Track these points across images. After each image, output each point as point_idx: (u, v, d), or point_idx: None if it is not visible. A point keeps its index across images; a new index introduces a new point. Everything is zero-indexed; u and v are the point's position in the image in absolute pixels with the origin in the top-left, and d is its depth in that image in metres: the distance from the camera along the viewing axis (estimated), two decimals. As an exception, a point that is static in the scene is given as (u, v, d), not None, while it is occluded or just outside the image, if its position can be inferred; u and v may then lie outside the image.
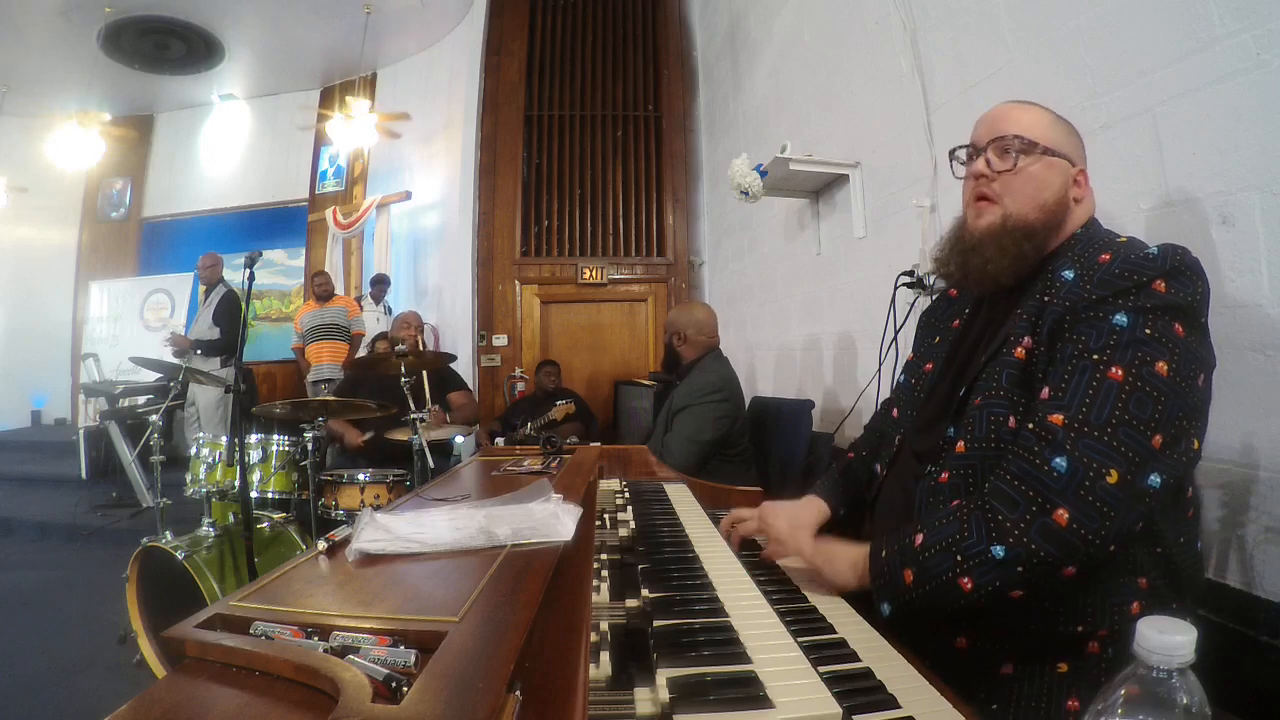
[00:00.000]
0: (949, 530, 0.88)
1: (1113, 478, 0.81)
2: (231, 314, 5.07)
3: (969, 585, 0.84)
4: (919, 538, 0.90)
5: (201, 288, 5.37)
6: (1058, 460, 0.83)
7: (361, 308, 6.01)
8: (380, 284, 6.38)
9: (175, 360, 3.83)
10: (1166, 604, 0.90)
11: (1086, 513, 0.81)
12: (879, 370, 2.26)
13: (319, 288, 5.60)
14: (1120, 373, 0.83)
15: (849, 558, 0.98)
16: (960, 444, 0.99)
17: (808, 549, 1.04)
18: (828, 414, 2.94)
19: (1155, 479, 0.82)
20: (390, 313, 6.22)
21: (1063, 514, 0.81)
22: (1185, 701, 0.46)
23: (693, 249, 5.96)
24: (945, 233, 1.15)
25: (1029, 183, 1.02)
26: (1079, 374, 0.86)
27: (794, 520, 1.14)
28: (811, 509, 1.20)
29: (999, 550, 0.83)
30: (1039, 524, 0.82)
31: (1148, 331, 0.85)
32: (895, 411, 1.23)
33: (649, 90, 6.10)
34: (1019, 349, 0.95)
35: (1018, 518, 0.83)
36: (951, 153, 1.14)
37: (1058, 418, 0.85)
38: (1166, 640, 0.46)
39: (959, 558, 0.85)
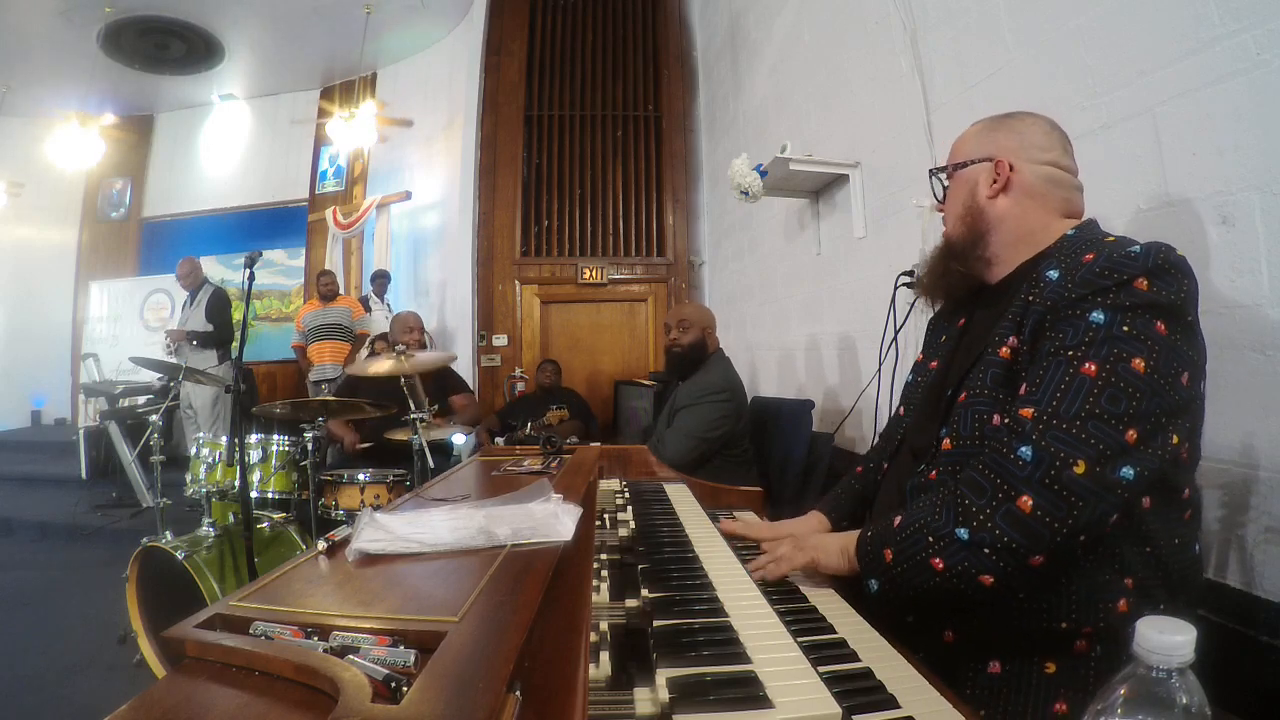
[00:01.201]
0: (922, 513, 0.92)
1: (1080, 468, 0.81)
2: (222, 309, 5.09)
3: (940, 565, 0.87)
4: (897, 520, 0.94)
5: (185, 293, 5.38)
6: (1024, 449, 0.85)
7: (369, 308, 6.00)
8: (381, 279, 6.34)
9: (175, 360, 3.83)
10: (1156, 603, 0.89)
11: (1052, 501, 0.82)
12: (879, 370, 2.25)
13: (324, 287, 5.61)
14: (1094, 368, 0.85)
15: (839, 544, 1.03)
16: (947, 441, 1.01)
17: (798, 555, 1.05)
18: (828, 414, 2.94)
19: (1129, 471, 0.82)
20: (391, 309, 6.22)
21: (1027, 501, 0.83)
22: (1185, 701, 0.46)
23: (693, 249, 5.96)
24: None
25: (949, 205, 1.15)
26: (1053, 370, 0.87)
27: (800, 529, 1.25)
28: (812, 521, 1.31)
29: (963, 533, 0.86)
30: (1004, 510, 0.84)
31: (1125, 329, 0.85)
32: (902, 410, 1.26)
33: (649, 90, 6.10)
34: (1004, 348, 0.98)
35: (984, 503, 0.86)
36: None
37: (1028, 411, 0.87)
38: (1166, 640, 0.46)
39: (930, 538, 0.89)
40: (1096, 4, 1.51)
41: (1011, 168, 1.06)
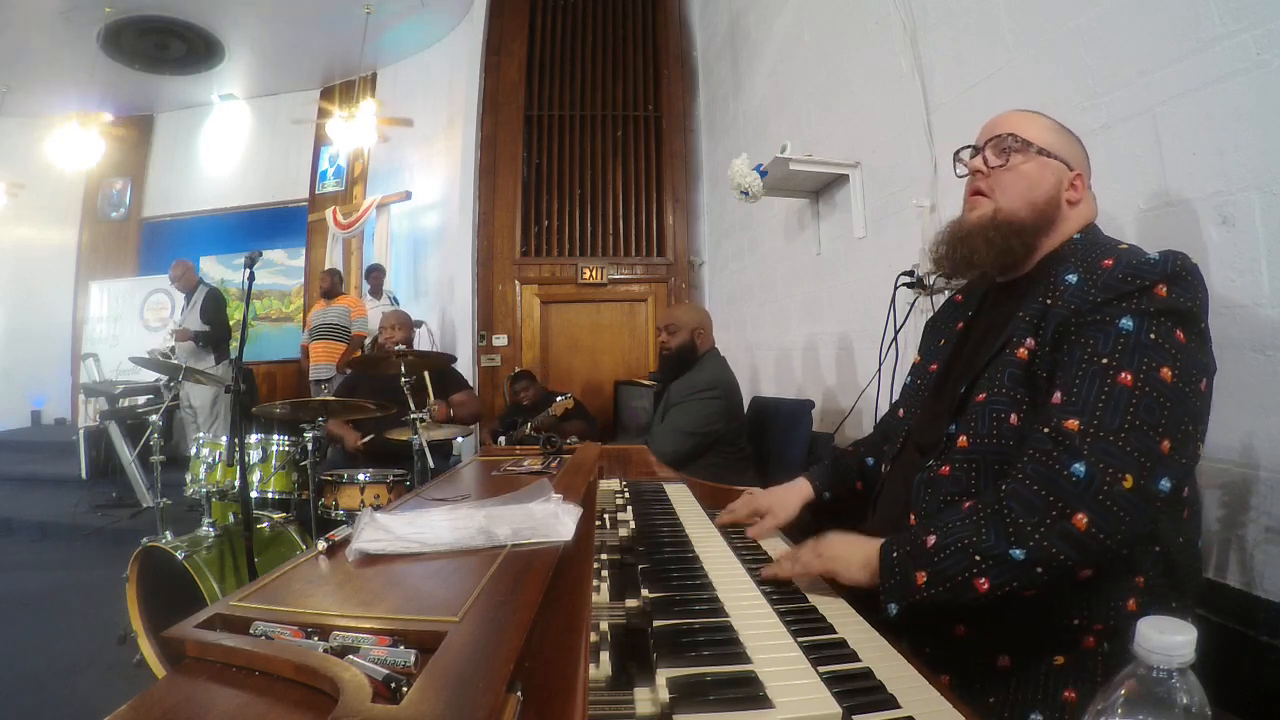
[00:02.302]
0: (964, 532, 0.88)
1: (1128, 482, 0.82)
2: (217, 309, 5.11)
3: (985, 586, 0.85)
4: (931, 539, 0.89)
5: (180, 294, 5.40)
6: (1076, 466, 0.84)
7: (365, 308, 6.00)
8: (375, 273, 6.22)
9: (174, 360, 3.84)
10: (1164, 602, 0.91)
11: (1105, 517, 0.82)
12: (879, 370, 2.25)
13: (324, 284, 5.64)
14: (1130, 378, 0.85)
15: (862, 557, 0.96)
16: (963, 439, 1.01)
17: (816, 562, 0.99)
18: (828, 414, 2.94)
19: (1166, 483, 0.83)
20: (396, 303, 6.18)
21: (1082, 519, 0.82)
22: (1185, 701, 0.46)
23: (693, 249, 5.96)
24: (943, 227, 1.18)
25: (1020, 179, 1.06)
26: (1090, 379, 0.87)
27: (780, 498, 1.28)
28: (796, 486, 1.33)
29: (1018, 553, 0.84)
30: (1059, 528, 0.83)
31: (1152, 336, 0.87)
32: (901, 412, 1.26)
33: (649, 90, 6.10)
34: (1021, 349, 0.98)
35: (1038, 522, 0.84)
36: (955, 154, 1.17)
37: (1073, 423, 0.86)
38: (1166, 640, 0.46)
39: (977, 558, 0.85)
40: (1096, 4, 1.51)
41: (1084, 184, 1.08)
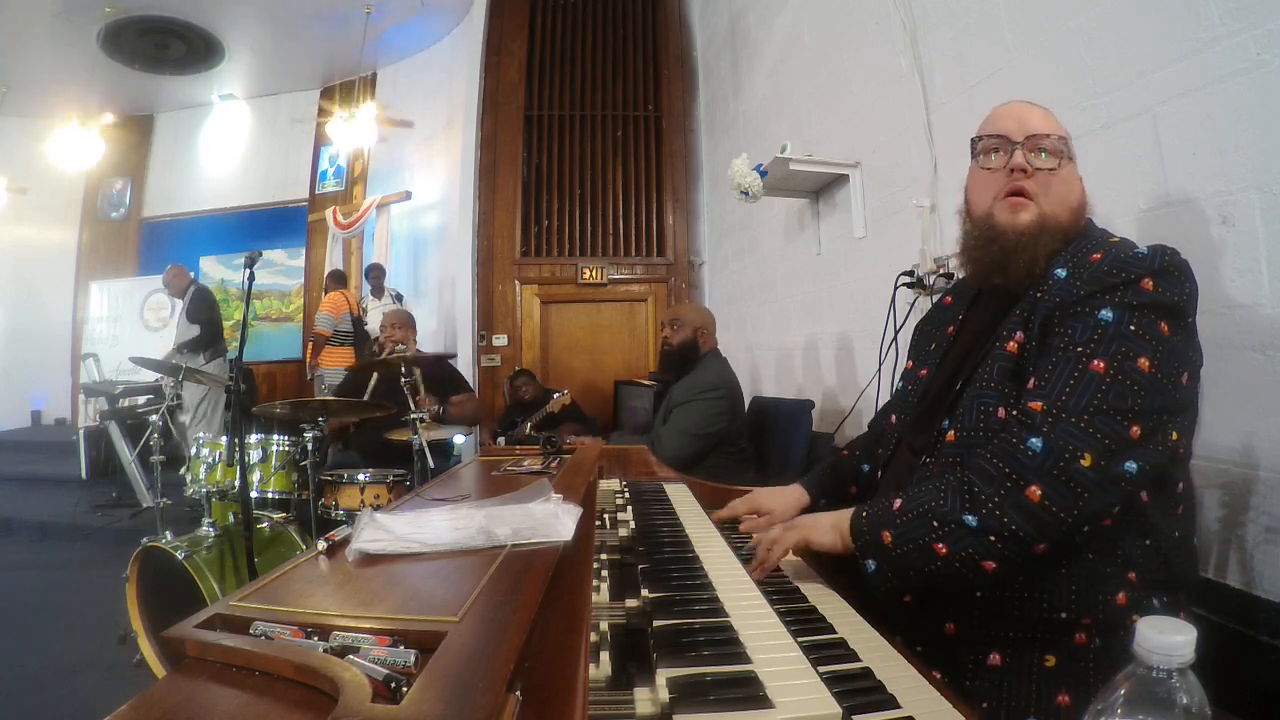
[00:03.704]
0: (926, 498, 0.91)
1: (1087, 461, 0.83)
2: (204, 307, 5.11)
3: (944, 550, 0.88)
4: (897, 503, 0.94)
5: (177, 299, 5.42)
6: (1034, 440, 0.86)
7: (364, 309, 6.02)
8: (375, 273, 6.19)
9: (174, 361, 3.86)
10: (1156, 597, 0.91)
11: (1059, 491, 0.83)
12: (879, 370, 2.26)
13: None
14: (1102, 365, 0.86)
15: (830, 519, 1.01)
16: (951, 434, 1.02)
17: (789, 534, 1.03)
18: (828, 414, 2.94)
19: (1132, 465, 0.84)
20: (400, 300, 6.18)
21: (1035, 491, 0.84)
22: (1185, 702, 0.46)
23: (693, 249, 5.96)
24: (968, 226, 1.11)
25: (1063, 185, 1.04)
26: (1062, 365, 0.89)
27: (780, 500, 1.31)
28: (793, 492, 1.35)
29: (971, 519, 0.86)
30: (1013, 499, 0.85)
31: (1132, 328, 0.87)
32: (894, 418, 1.26)
33: (649, 90, 6.10)
34: (1010, 343, 0.99)
35: (992, 491, 0.86)
36: (974, 140, 1.10)
37: (1037, 404, 0.88)
38: (1166, 640, 0.46)
39: (935, 523, 0.89)
40: (1096, 4, 1.51)
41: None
